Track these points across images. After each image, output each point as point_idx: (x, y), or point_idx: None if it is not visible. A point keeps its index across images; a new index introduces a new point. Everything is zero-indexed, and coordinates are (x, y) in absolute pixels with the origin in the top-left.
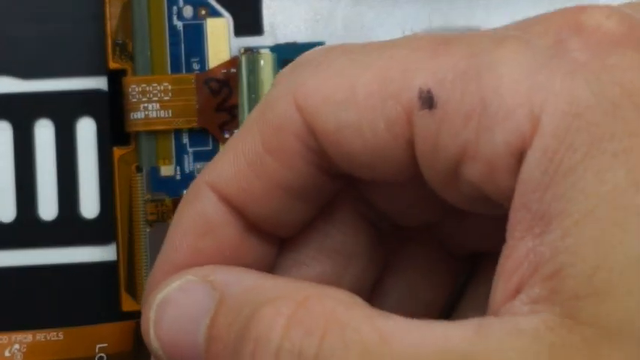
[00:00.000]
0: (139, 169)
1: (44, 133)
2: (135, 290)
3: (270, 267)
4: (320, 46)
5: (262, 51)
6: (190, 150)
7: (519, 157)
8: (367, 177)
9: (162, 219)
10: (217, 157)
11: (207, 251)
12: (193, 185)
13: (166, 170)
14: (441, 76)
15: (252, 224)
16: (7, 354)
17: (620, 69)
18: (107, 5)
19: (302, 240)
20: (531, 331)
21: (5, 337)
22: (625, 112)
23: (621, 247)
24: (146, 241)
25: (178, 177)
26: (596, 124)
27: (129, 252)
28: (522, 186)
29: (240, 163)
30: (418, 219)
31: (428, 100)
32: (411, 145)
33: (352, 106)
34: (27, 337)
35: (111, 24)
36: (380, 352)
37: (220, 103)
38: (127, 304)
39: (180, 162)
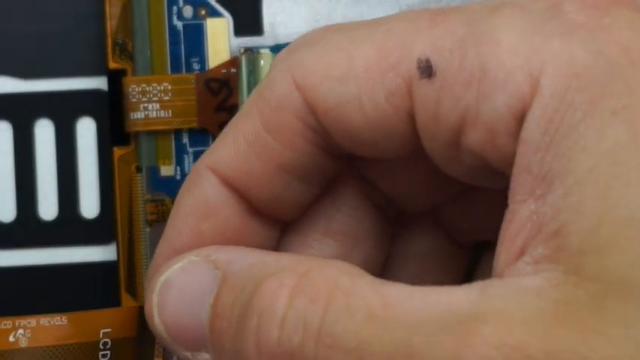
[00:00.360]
0: (138, 169)
1: (44, 133)
2: (135, 290)
3: (274, 250)
4: (317, 28)
5: (262, 51)
6: (190, 150)
7: (520, 119)
8: (369, 154)
9: (162, 219)
10: (217, 140)
11: (208, 234)
12: (194, 169)
13: (166, 170)
14: (440, 45)
15: (254, 207)
16: (11, 339)
17: (616, 28)
18: (107, 5)
19: (307, 223)
20: (535, 290)
21: (9, 322)
22: (623, 70)
23: (623, 201)
24: (146, 241)
25: (178, 177)
26: (595, 83)
27: (129, 252)
28: (523, 148)
29: (240, 145)
30: (421, 202)
31: (427, 69)
32: (411, 116)
33: (351, 80)
34: (31, 321)
35: (111, 24)
36: (385, 316)
37: (220, 103)
38: (127, 304)
39: (180, 162)
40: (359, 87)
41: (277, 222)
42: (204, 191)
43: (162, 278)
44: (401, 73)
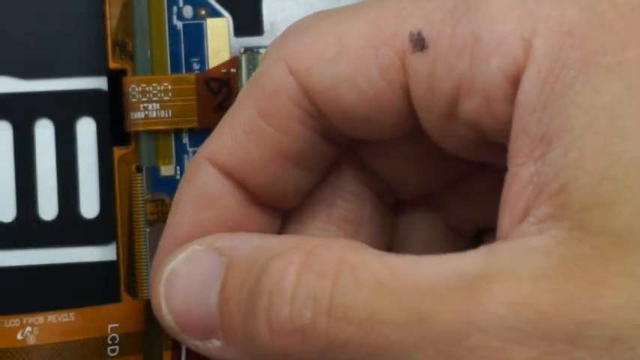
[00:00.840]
0: (139, 169)
1: (44, 133)
2: (135, 290)
3: None
4: (307, 15)
5: (262, 51)
6: (190, 150)
7: (515, 83)
8: (365, 135)
9: (162, 219)
10: (214, 132)
11: (209, 224)
12: (191, 162)
13: (166, 170)
14: (431, 17)
15: (253, 196)
16: (19, 337)
17: None
18: (107, 5)
19: (308, 211)
20: (542, 248)
21: (17, 320)
22: (615, 26)
23: (624, 154)
24: (146, 241)
25: (178, 177)
26: (587, 41)
27: (129, 252)
28: (519, 110)
29: (237, 133)
30: (418, 188)
31: (419, 42)
32: (406, 91)
33: (344, 59)
34: (38, 319)
35: (111, 24)
36: (393, 285)
37: (220, 102)
38: None
39: (180, 162)
40: (352, 66)
41: (278, 211)
42: (203, 182)
43: (167, 269)
44: (394, 48)
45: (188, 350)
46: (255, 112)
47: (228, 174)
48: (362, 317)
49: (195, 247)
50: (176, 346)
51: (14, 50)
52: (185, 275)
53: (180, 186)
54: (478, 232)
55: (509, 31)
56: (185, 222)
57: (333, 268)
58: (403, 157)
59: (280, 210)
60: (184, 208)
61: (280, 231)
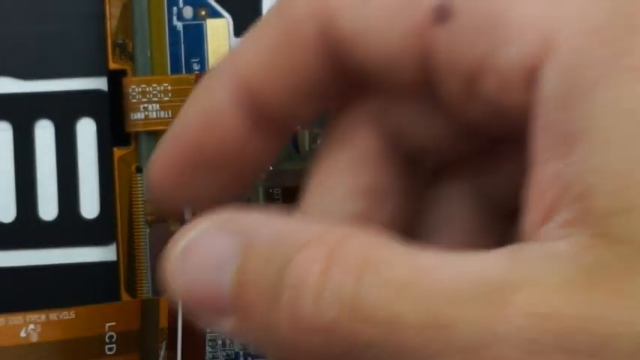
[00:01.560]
0: (139, 170)
1: (44, 133)
2: (135, 290)
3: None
4: None
5: None
6: None
7: (533, 73)
8: (384, 85)
9: (162, 219)
10: (236, 48)
11: (210, 141)
12: (210, 73)
13: None
14: None
15: (259, 119)
16: (22, 334)
17: None
18: (107, 5)
19: (329, 183)
20: (566, 254)
21: (20, 317)
22: None
23: None
24: (146, 242)
25: None
26: (612, 41)
27: (129, 252)
28: (542, 107)
29: (260, 51)
30: (446, 149)
31: (443, 12)
32: (423, 59)
33: (373, 10)
34: (41, 316)
35: (111, 24)
36: (417, 286)
37: None
38: None
39: None
40: (377, 17)
41: (281, 135)
42: (215, 95)
43: (180, 245)
44: (417, 15)
45: (184, 348)
46: (279, 35)
47: (243, 87)
48: (384, 319)
49: (208, 224)
50: (172, 345)
51: (14, 50)
52: (198, 253)
53: (194, 93)
54: (510, 208)
55: (531, 20)
56: (188, 131)
57: (357, 266)
58: (428, 113)
59: (283, 134)
60: (188, 120)
61: (301, 199)
